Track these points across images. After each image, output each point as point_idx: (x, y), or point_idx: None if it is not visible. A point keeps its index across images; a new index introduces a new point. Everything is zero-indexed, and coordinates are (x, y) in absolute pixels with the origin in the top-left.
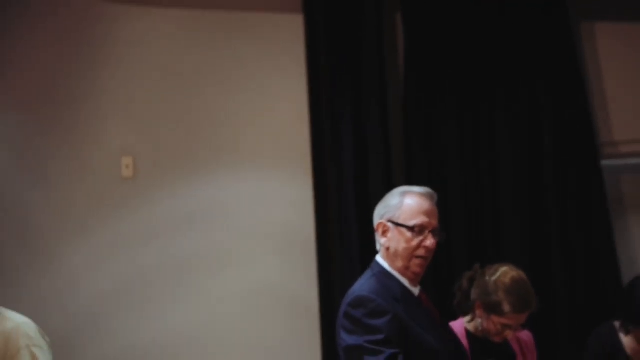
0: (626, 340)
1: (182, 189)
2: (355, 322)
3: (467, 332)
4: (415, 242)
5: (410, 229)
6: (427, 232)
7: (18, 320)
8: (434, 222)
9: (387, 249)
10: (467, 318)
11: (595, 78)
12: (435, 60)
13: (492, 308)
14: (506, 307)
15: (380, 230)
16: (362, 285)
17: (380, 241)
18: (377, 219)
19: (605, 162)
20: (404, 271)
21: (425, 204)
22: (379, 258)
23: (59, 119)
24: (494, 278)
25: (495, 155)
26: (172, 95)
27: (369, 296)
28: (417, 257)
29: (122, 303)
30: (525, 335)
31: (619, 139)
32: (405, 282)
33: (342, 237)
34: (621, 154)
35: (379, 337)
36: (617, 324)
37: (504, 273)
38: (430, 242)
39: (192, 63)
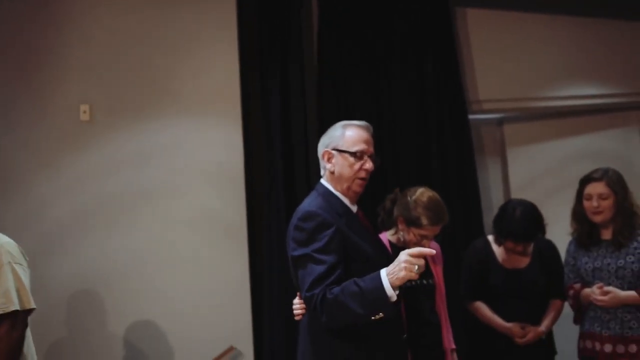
0: (498, 251)
1: (132, 131)
2: (304, 233)
3: (390, 243)
4: (357, 166)
5: (353, 154)
6: (366, 157)
7: (1, 240)
8: (371, 149)
9: (332, 172)
10: (391, 232)
11: (465, 51)
12: (345, 30)
13: (412, 222)
14: (424, 220)
15: (325, 158)
16: (310, 203)
17: (326, 166)
18: (321, 148)
19: (471, 117)
20: (346, 191)
21: (364, 134)
22: (324, 181)
23: (24, 70)
24: (414, 197)
25: (393, 108)
26: (124, 51)
27: (316, 211)
28: (359, 178)
29: (82, 227)
30: (434, 245)
31: (483, 98)
32: (346, 201)
33: (270, 172)
34: (483, 110)
35: (324, 247)
36: (490, 237)
37: (422, 193)
38: (369, 165)
39: (141, 24)
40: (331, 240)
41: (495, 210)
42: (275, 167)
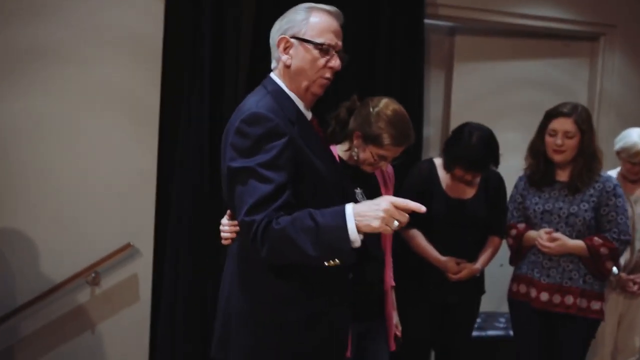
0: (443, 177)
1: None
2: (249, 140)
3: (340, 159)
4: (321, 61)
5: (318, 46)
6: (333, 52)
7: None
8: (340, 43)
9: (288, 66)
10: (342, 146)
11: None
12: None
13: (372, 139)
14: (386, 139)
15: (281, 46)
16: (258, 102)
17: (281, 58)
18: (277, 34)
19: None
20: (303, 92)
21: (334, 23)
22: (274, 76)
23: None
24: (376, 109)
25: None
26: None
27: (266, 114)
28: (322, 77)
29: None
30: (389, 168)
31: (440, 2)
32: (300, 104)
33: (194, 45)
34: (437, 16)
35: (272, 160)
36: (437, 160)
37: (386, 105)
38: (336, 62)
39: None
40: (282, 153)
41: (434, 128)
42: (202, 46)
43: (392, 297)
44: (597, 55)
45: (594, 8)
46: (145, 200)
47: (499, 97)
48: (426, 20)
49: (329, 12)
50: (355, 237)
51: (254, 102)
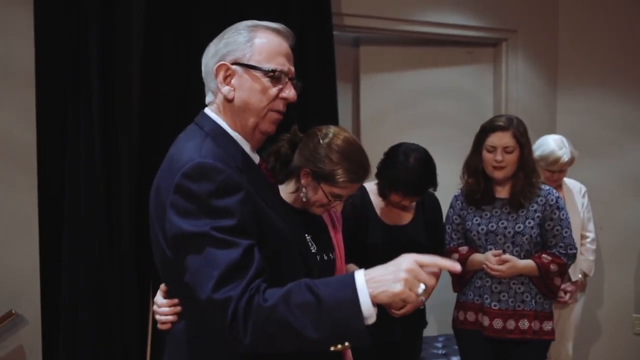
0: (377, 203)
1: None
2: (195, 200)
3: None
4: (273, 92)
5: (268, 73)
6: (286, 79)
7: None
8: (293, 69)
9: (230, 100)
10: (287, 187)
11: None
12: None
13: (324, 176)
14: (341, 175)
15: (220, 76)
16: (200, 148)
17: (222, 90)
18: (213, 60)
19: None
20: (250, 131)
21: (284, 45)
22: (211, 112)
23: None
24: (326, 140)
25: (246, 13)
26: None
27: (215, 165)
28: (274, 111)
29: None
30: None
31: (345, 12)
32: (246, 146)
33: (77, 70)
34: (342, 26)
35: (231, 222)
36: (368, 186)
37: (336, 134)
38: (291, 92)
39: None
40: (241, 210)
41: None
42: (88, 72)
43: (349, 352)
44: (500, 60)
45: (495, 14)
46: (27, 256)
47: (407, 108)
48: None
49: (277, 30)
50: (370, 312)
51: (194, 148)
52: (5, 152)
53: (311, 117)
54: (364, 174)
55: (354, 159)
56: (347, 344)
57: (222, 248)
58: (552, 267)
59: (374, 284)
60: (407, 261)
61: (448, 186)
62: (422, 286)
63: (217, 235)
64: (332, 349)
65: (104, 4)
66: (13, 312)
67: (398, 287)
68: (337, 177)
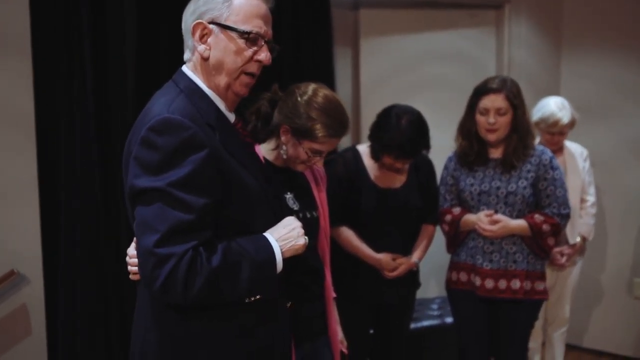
0: (370, 166)
1: None
2: (158, 153)
3: (266, 161)
4: (247, 53)
5: (244, 35)
6: (262, 42)
7: None
8: (270, 32)
9: (206, 59)
10: (268, 145)
11: None
12: None
13: (303, 132)
14: (320, 130)
15: (197, 34)
16: (169, 104)
17: (198, 48)
18: (191, 18)
19: None
20: (224, 91)
21: (262, 7)
22: (188, 70)
23: None
24: (305, 97)
25: None
26: None
27: (181, 121)
28: (246, 73)
29: None
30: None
31: None
32: (221, 104)
33: (70, 38)
34: None
35: (189, 179)
36: (360, 148)
37: (315, 91)
38: (265, 55)
39: None
40: (201, 169)
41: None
42: (80, 38)
43: (334, 311)
44: (502, 23)
45: None
46: (28, 217)
47: (408, 73)
48: None
49: None
50: (280, 267)
51: (164, 104)
52: (4, 117)
53: (305, 79)
54: (342, 129)
55: (333, 114)
56: (258, 296)
57: (174, 207)
58: (545, 226)
59: (282, 242)
60: (292, 220)
61: (448, 150)
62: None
63: (171, 192)
64: (246, 300)
65: None
66: (15, 271)
67: (301, 241)
68: (316, 132)
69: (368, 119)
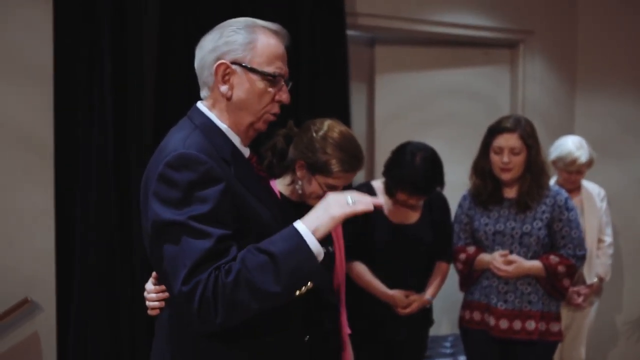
0: (384, 201)
1: None
2: (176, 188)
3: (282, 196)
4: (270, 95)
5: (268, 77)
6: (282, 82)
7: None
8: (287, 70)
9: (228, 99)
10: (284, 180)
11: None
12: None
13: (319, 167)
14: (335, 165)
15: (220, 74)
16: (185, 139)
17: (221, 88)
18: (211, 57)
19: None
20: (245, 128)
21: (281, 47)
22: (203, 107)
23: None
24: (321, 133)
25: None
26: None
27: (197, 156)
28: (270, 113)
29: None
30: None
31: (360, 11)
32: (236, 139)
33: (92, 66)
34: (357, 26)
35: (208, 212)
36: (375, 184)
37: (331, 127)
38: (286, 96)
39: None
40: (219, 202)
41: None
42: (101, 67)
43: (349, 348)
44: (517, 62)
45: (511, 15)
46: (43, 244)
47: (422, 109)
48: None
49: (275, 32)
50: (318, 249)
51: (179, 139)
52: (25, 145)
53: (321, 117)
54: (357, 164)
55: (348, 149)
56: (309, 284)
57: (197, 238)
58: (560, 268)
59: (311, 222)
60: (329, 196)
61: (461, 185)
62: (349, 198)
63: (193, 225)
64: (297, 293)
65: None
66: (28, 299)
67: (331, 211)
68: (332, 167)
69: (382, 154)
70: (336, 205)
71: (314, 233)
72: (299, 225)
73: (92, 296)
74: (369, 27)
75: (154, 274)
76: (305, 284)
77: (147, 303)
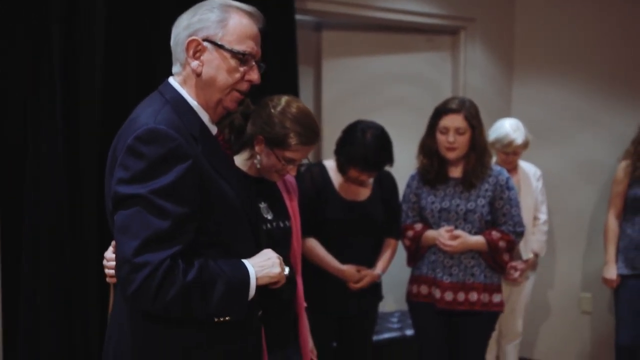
0: (336, 179)
1: None
2: (144, 161)
3: (241, 172)
4: (239, 73)
5: (237, 55)
6: (252, 62)
7: None
8: (259, 52)
9: (198, 74)
10: (242, 156)
11: None
12: None
13: (277, 141)
14: (293, 139)
15: (191, 50)
16: (156, 114)
17: (192, 64)
18: (185, 33)
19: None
20: (213, 105)
21: (254, 28)
22: (175, 82)
23: None
24: (279, 108)
25: None
26: None
27: (167, 132)
28: (237, 90)
29: None
30: (289, 176)
31: None
32: (204, 116)
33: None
34: (304, 10)
35: (171, 189)
36: (327, 163)
37: (288, 103)
38: (256, 75)
39: None
40: (184, 179)
41: None
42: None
43: (305, 320)
44: (458, 48)
45: (454, 2)
46: None
47: (367, 93)
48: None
49: (249, 13)
50: (253, 292)
51: (150, 114)
52: None
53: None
54: (315, 137)
55: (305, 123)
56: (228, 317)
57: (155, 214)
58: (501, 243)
59: (258, 268)
60: (268, 251)
61: (407, 167)
62: (287, 268)
63: (152, 199)
64: (215, 320)
65: None
66: None
67: (277, 269)
68: (290, 140)
69: (330, 137)
70: (280, 265)
71: (257, 278)
72: (249, 264)
73: (41, 298)
74: (317, 11)
75: (113, 242)
76: (227, 316)
77: (106, 271)
